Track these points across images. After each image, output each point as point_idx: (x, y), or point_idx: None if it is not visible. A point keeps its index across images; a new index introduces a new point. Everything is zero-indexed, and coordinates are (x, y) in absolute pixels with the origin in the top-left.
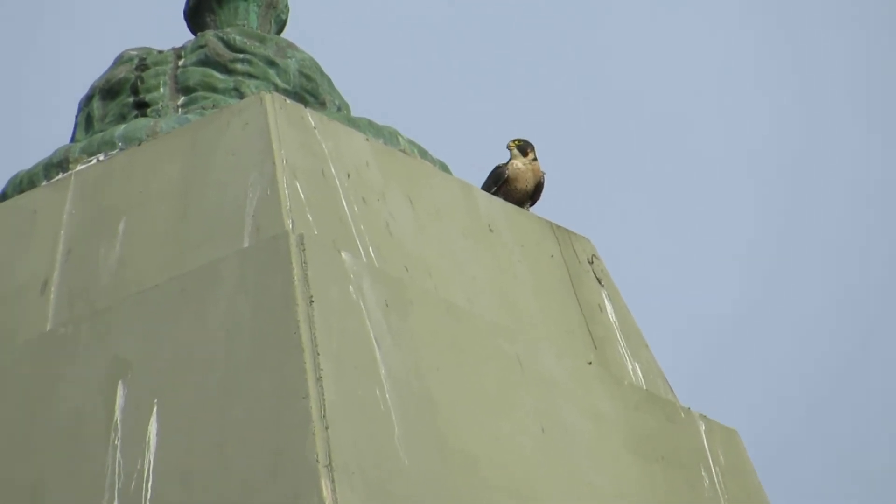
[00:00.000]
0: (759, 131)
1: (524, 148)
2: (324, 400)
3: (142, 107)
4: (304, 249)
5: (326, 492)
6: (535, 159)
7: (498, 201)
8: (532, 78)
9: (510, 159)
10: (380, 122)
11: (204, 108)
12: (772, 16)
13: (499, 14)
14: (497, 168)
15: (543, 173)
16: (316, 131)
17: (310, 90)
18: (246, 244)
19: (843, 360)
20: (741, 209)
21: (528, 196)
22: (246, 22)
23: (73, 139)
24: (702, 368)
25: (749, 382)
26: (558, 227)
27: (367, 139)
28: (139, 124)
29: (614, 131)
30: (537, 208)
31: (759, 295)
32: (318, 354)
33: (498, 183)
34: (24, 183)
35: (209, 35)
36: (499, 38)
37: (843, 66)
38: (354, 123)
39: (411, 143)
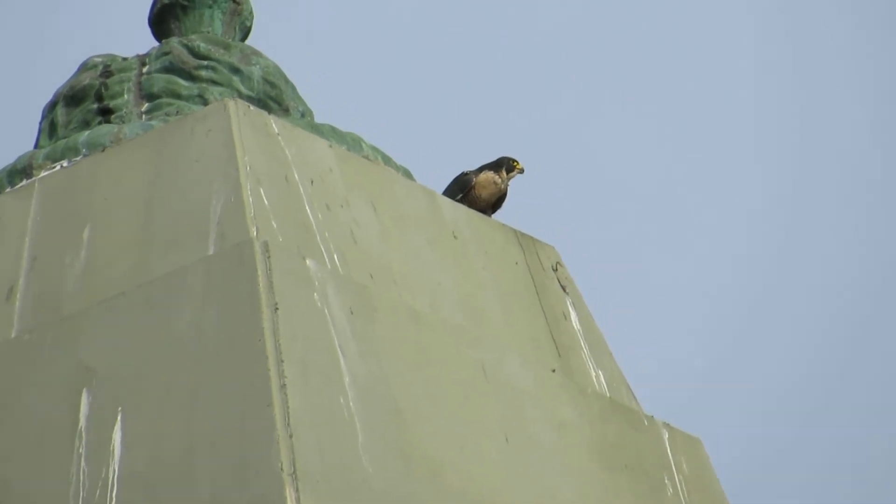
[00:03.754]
0: (751, 133)
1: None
2: (288, 408)
3: (106, 113)
4: (268, 256)
5: (291, 500)
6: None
7: (462, 208)
8: (502, 83)
9: (481, 169)
10: (343, 128)
11: (168, 115)
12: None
13: (464, 16)
14: (464, 174)
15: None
16: (279, 137)
17: (274, 97)
18: (211, 251)
19: (836, 365)
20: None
21: (490, 205)
22: (210, 29)
23: (36, 145)
24: (695, 372)
25: (738, 388)
26: (522, 234)
27: (331, 145)
28: (103, 130)
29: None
30: (502, 215)
31: (749, 300)
32: (283, 362)
33: (464, 190)
34: None
35: (174, 42)
36: (464, 41)
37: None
38: (318, 130)
39: (374, 149)
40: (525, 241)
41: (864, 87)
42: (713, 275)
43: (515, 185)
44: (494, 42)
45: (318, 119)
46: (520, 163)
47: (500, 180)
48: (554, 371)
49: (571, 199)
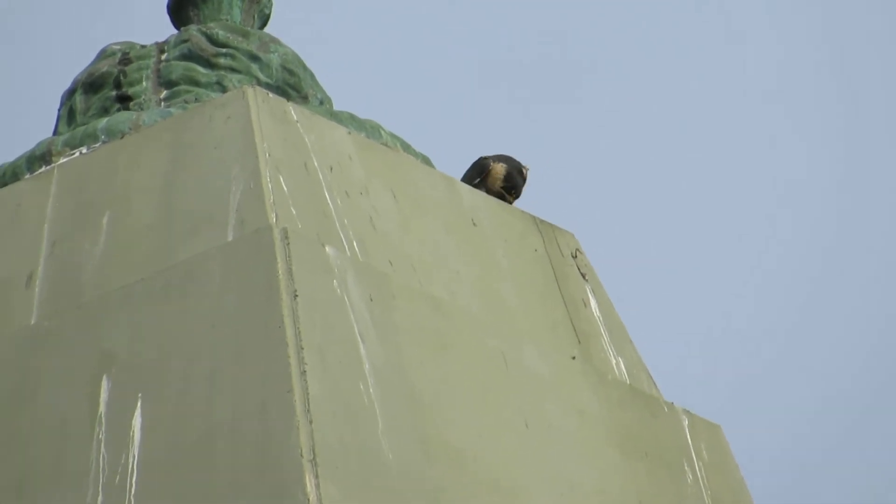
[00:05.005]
0: (801, 116)
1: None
2: (308, 394)
3: (124, 100)
4: (287, 243)
5: (310, 486)
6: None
7: (481, 195)
8: (523, 70)
9: (500, 158)
10: (362, 115)
11: (187, 102)
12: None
13: (472, 11)
14: (482, 159)
15: (527, 169)
16: (298, 125)
17: (292, 84)
18: (230, 238)
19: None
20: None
21: (508, 190)
22: (229, 17)
23: (55, 132)
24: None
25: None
26: (542, 221)
27: (350, 133)
28: (122, 117)
29: (610, 125)
30: (521, 202)
31: (800, 294)
32: (303, 349)
33: (481, 174)
34: (7, 176)
35: (192, 30)
36: (486, 29)
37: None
38: (337, 117)
39: (394, 136)
40: (544, 228)
41: None
42: (760, 268)
43: (534, 175)
44: (501, 37)
45: (337, 107)
46: (516, 196)
47: (500, 184)
48: (574, 358)
49: (597, 188)
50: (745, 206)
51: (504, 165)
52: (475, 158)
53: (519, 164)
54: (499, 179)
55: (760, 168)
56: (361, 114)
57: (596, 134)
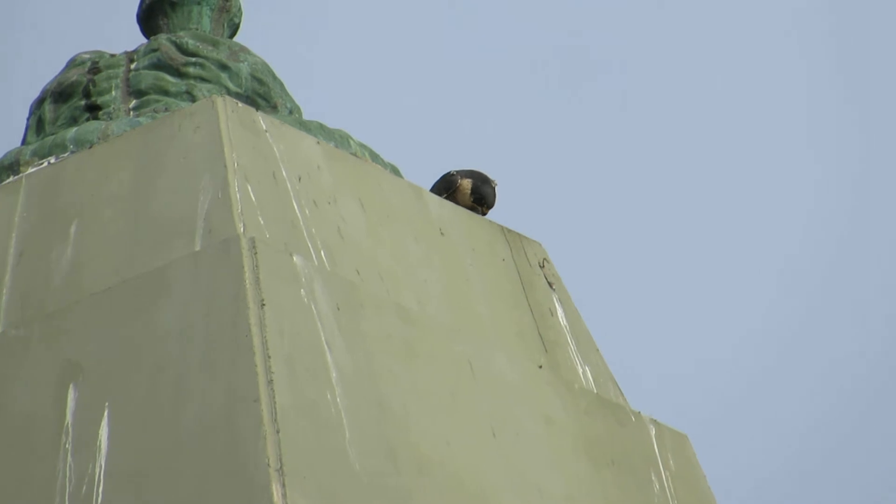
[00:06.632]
0: (802, 123)
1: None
2: (275, 404)
3: (93, 110)
4: (255, 252)
5: (277, 496)
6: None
7: (449, 205)
8: (523, 69)
9: (469, 174)
10: (361, 115)
11: (156, 112)
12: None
13: (458, 17)
14: (450, 174)
15: (496, 183)
16: (267, 134)
17: (262, 94)
18: (198, 247)
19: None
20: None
21: (479, 202)
22: (199, 26)
23: (24, 142)
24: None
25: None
26: (509, 230)
27: (319, 142)
28: (91, 127)
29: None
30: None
31: (804, 300)
32: (270, 357)
33: (449, 190)
34: None
35: (162, 39)
36: (486, 29)
37: None
38: (306, 126)
39: (362, 146)
40: (512, 238)
41: None
42: (768, 271)
43: (531, 175)
44: (501, 37)
45: (307, 116)
46: (488, 207)
47: (469, 200)
48: (541, 367)
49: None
50: (749, 208)
51: (470, 181)
52: (471, 166)
53: (486, 176)
54: (467, 194)
55: (764, 171)
56: (360, 114)
57: (596, 134)
